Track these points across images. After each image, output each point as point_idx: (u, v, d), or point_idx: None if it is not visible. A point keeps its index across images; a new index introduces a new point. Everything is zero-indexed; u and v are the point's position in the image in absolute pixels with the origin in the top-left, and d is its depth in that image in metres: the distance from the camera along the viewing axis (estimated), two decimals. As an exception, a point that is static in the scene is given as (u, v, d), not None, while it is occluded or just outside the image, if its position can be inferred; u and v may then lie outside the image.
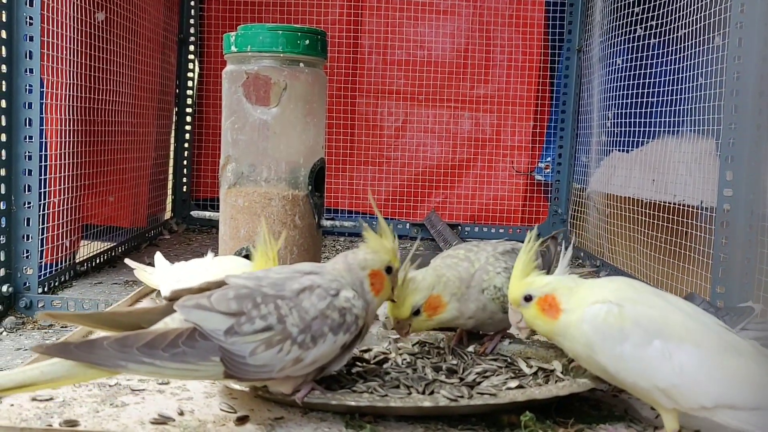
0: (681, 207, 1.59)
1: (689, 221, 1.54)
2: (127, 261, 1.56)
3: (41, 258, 1.52)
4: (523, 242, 1.01)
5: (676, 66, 1.65)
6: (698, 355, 0.86)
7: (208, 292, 0.89)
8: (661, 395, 0.87)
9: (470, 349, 1.16)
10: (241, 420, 0.92)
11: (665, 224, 1.65)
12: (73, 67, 1.65)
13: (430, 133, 2.57)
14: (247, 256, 1.35)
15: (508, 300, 1.11)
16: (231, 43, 1.36)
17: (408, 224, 2.54)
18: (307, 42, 1.33)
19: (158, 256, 1.48)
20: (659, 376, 0.86)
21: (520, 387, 0.99)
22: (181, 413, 0.93)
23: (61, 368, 0.81)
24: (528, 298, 0.96)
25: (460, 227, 2.51)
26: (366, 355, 1.11)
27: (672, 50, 1.68)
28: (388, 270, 0.99)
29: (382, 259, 0.99)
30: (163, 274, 1.42)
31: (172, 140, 2.53)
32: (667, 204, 1.66)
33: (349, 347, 0.94)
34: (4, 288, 1.41)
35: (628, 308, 0.89)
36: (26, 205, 1.44)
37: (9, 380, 0.80)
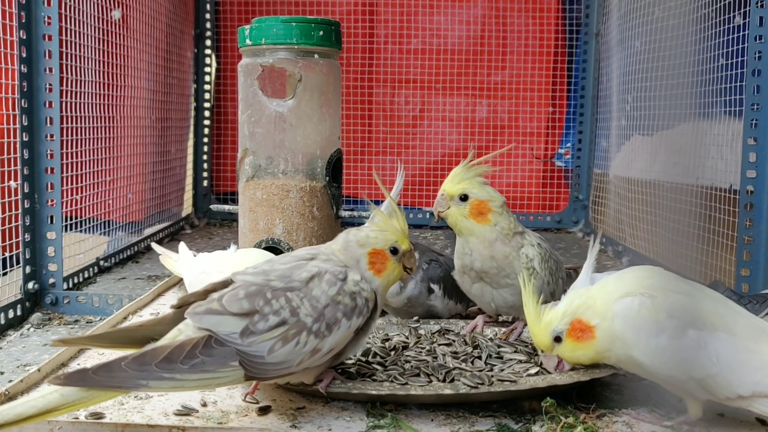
0: (704, 190, 1.57)
1: (713, 204, 1.52)
2: (153, 245, 1.60)
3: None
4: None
5: (696, 47, 1.63)
6: (733, 342, 0.84)
7: (217, 294, 0.89)
8: (697, 386, 0.85)
9: (491, 335, 1.16)
10: (264, 410, 0.93)
11: (688, 208, 1.63)
12: (92, 65, 1.67)
13: (448, 121, 2.56)
14: (269, 248, 1.35)
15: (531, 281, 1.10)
16: (245, 36, 1.36)
17: (427, 213, 2.53)
18: (321, 33, 1.33)
19: (182, 245, 1.50)
20: (695, 366, 0.84)
21: (540, 373, 0.99)
22: (204, 404, 0.95)
23: (80, 390, 0.80)
24: (558, 339, 0.92)
25: (480, 215, 2.50)
26: (386, 344, 1.11)
27: (691, 31, 1.66)
28: (394, 251, 0.95)
29: (387, 238, 0.95)
30: (186, 263, 1.44)
31: (191, 135, 2.54)
32: (690, 187, 1.64)
33: (363, 330, 0.93)
34: (30, 285, 1.43)
35: (660, 298, 0.87)
36: (49, 203, 1.46)
37: (31, 407, 0.78)
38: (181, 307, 0.90)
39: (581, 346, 0.91)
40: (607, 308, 0.89)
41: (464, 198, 1.10)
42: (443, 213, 1.11)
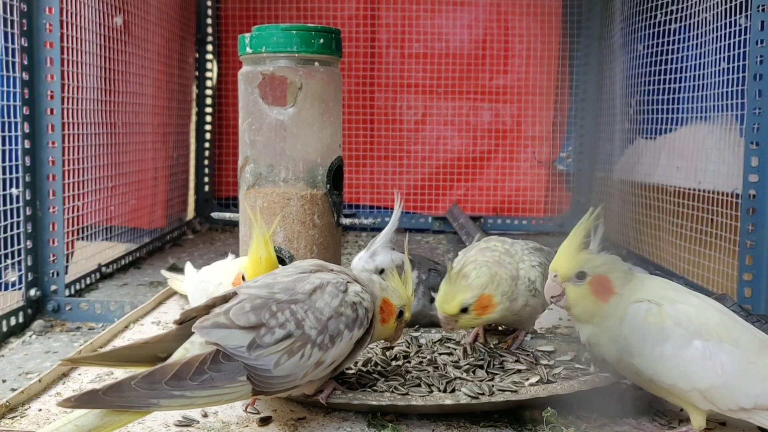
0: (707, 194, 1.57)
1: (716, 208, 1.52)
2: (162, 272, 1.61)
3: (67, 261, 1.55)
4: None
5: (698, 51, 1.62)
6: (737, 355, 0.84)
7: (222, 308, 0.89)
8: (699, 397, 0.85)
9: (492, 345, 1.16)
10: (264, 421, 0.93)
11: (691, 212, 1.63)
12: (93, 71, 1.67)
13: (450, 125, 2.55)
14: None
15: (540, 290, 1.10)
16: (246, 44, 1.36)
17: (430, 218, 2.53)
18: (322, 41, 1.33)
19: (188, 266, 1.50)
20: (700, 377, 0.84)
21: (541, 382, 0.99)
22: (205, 415, 0.94)
23: (94, 418, 0.80)
24: (581, 276, 0.91)
25: (482, 219, 2.50)
26: (387, 354, 1.11)
27: (694, 35, 1.65)
28: (400, 313, 0.99)
29: (401, 296, 0.99)
30: (190, 280, 1.44)
31: (193, 140, 2.54)
32: (693, 191, 1.64)
33: (361, 343, 0.94)
34: (32, 292, 1.43)
35: (668, 307, 0.87)
36: (51, 210, 1.46)
37: None
38: (183, 323, 0.90)
39: (591, 298, 0.90)
40: (627, 301, 0.89)
41: (465, 311, 1.09)
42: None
